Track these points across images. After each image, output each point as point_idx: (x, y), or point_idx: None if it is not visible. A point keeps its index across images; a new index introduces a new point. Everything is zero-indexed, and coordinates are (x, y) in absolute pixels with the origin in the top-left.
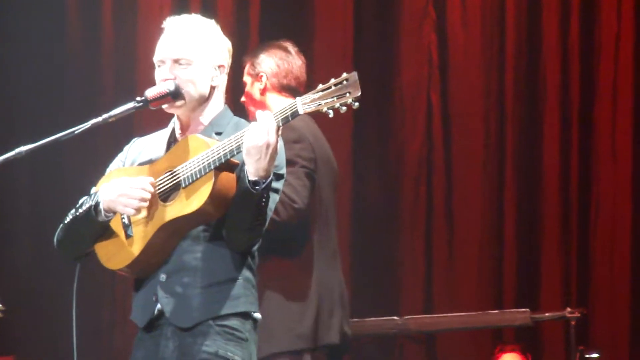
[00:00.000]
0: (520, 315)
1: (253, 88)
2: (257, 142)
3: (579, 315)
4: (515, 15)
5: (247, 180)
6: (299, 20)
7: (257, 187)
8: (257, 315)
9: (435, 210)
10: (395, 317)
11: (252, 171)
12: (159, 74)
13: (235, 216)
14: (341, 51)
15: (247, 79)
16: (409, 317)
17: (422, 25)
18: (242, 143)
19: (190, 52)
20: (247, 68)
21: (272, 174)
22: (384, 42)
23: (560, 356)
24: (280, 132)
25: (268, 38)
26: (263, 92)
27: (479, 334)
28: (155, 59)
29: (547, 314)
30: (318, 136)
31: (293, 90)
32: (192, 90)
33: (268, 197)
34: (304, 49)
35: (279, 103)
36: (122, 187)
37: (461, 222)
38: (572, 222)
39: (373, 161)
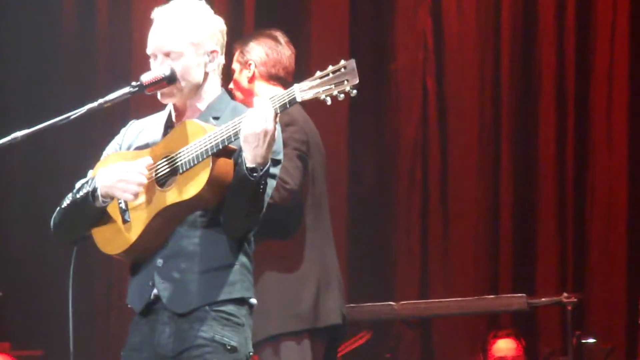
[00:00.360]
0: (516, 300)
1: (241, 75)
2: (255, 129)
3: (575, 300)
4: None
5: (244, 167)
6: (295, 5)
7: (254, 174)
8: (253, 300)
9: (431, 195)
10: (391, 303)
11: (250, 158)
12: (153, 66)
13: (233, 202)
14: (337, 35)
15: (235, 66)
16: (405, 302)
17: (418, 10)
18: (239, 129)
19: (179, 44)
20: (237, 55)
21: (269, 162)
22: (379, 26)
23: (557, 341)
24: (277, 119)
25: (263, 22)
26: (251, 80)
27: (475, 319)
28: (148, 52)
29: (543, 299)
30: (308, 120)
31: (281, 79)
32: (186, 80)
33: (266, 184)
34: (300, 34)
35: (267, 91)
36: (120, 172)
37: (456, 207)
38: (568, 207)
39: (369, 146)
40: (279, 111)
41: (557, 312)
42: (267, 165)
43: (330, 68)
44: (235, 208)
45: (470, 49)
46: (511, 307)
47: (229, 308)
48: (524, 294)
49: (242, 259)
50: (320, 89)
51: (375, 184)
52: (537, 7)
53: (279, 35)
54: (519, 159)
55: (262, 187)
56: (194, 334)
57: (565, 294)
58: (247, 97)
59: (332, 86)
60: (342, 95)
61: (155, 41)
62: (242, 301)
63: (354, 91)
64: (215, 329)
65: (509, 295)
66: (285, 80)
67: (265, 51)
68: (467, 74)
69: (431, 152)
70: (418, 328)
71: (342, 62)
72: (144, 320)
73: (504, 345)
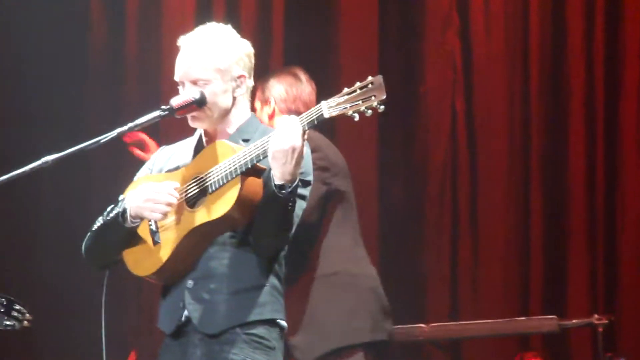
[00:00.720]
0: (547, 322)
1: (262, 112)
2: (283, 145)
3: (606, 321)
4: (538, 18)
5: (273, 184)
6: (324, 27)
7: (283, 192)
8: (284, 323)
9: (461, 215)
10: (421, 324)
11: (279, 175)
12: (181, 93)
13: (262, 221)
14: (366, 57)
15: (257, 104)
16: (435, 324)
17: (446, 31)
18: (267, 148)
19: (206, 71)
20: (258, 93)
21: (298, 179)
22: (408, 48)
23: None
24: (305, 137)
25: (292, 44)
26: (271, 116)
27: (506, 341)
28: (175, 79)
29: (574, 321)
30: (330, 145)
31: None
32: (215, 106)
33: (294, 202)
34: (329, 54)
35: None
36: (149, 192)
37: (487, 227)
38: (599, 227)
39: (398, 167)
40: (306, 128)
41: (588, 333)
42: (296, 182)
43: (358, 84)
44: (264, 227)
45: (499, 69)
46: (542, 328)
47: (260, 331)
48: (554, 316)
49: (273, 280)
50: (348, 105)
51: (405, 205)
52: (565, 25)
53: (300, 72)
54: (549, 179)
55: (290, 205)
56: (224, 357)
57: (596, 316)
58: None
59: (360, 102)
60: (369, 112)
61: (182, 69)
62: (273, 323)
63: (382, 107)
64: (246, 352)
65: (539, 317)
66: None
67: (285, 88)
68: (496, 94)
69: (460, 173)
70: (448, 350)
71: (370, 78)
72: (175, 343)
73: None
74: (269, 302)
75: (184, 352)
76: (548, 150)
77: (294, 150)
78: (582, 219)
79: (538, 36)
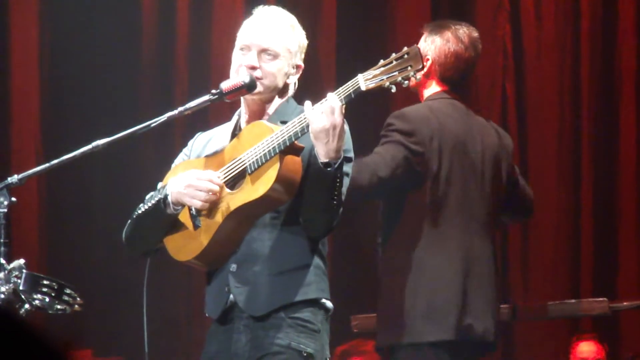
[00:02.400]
0: (598, 304)
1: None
2: (324, 124)
3: None
4: (589, 3)
5: (318, 163)
6: (378, 16)
7: (329, 169)
8: (329, 304)
9: None
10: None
11: (323, 153)
12: (241, 59)
13: (311, 199)
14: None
15: None
16: None
17: (497, 16)
18: (305, 125)
19: (278, 45)
20: None
21: (342, 155)
22: None
23: (639, 345)
24: (343, 111)
25: (344, 34)
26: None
27: (557, 323)
28: (241, 42)
29: (625, 303)
30: (439, 116)
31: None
32: (270, 82)
33: (342, 177)
34: (380, 40)
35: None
36: (190, 179)
37: (537, 211)
38: None
39: None
40: (344, 102)
41: (638, 316)
42: (341, 159)
43: (394, 55)
44: (314, 204)
45: (550, 54)
46: (593, 311)
47: (305, 315)
48: (605, 298)
49: (316, 260)
50: (384, 77)
51: None
52: (616, 10)
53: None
54: (600, 163)
55: (338, 181)
56: (269, 341)
57: None
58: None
59: (396, 73)
60: (406, 82)
61: (256, 34)
62: (318, 305)
63: (418, 76)
64: (291, 336)
65: (590, 299)
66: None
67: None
68: (547, 79)
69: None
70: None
71: (405, 48)
72: (221, 329)
73: (587, 347)
74: (314, 282)
75: (229, 338)
76: (599, 135)
77: (334, 127)
78: (633, 202)
79: (589, 21)
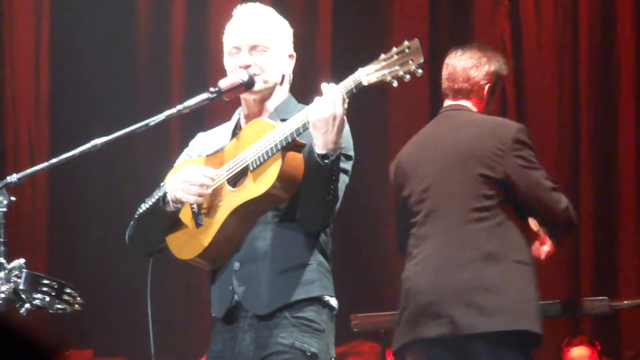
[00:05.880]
0: (598, 303)
1: None
2: (324, 114)
3: None
4: (588, 2)
5: (315, 155)
6: (375, 16)
7: (326, 161)
8: (333, 301)
9: None
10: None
11: (320, 144)
12: (233, 61)
13: (307, 192)
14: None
15: None
16: None
17: (495, 14)
18: (307, 121)
19: (267, 38)
20: None
21: (340, 148)
22: (458, 31)
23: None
24: (346, 105)
25: (340, 31)
26: None
27: (557, 322)
28: (229, 45)
29: (625, 302)
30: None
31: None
32: (268, 77)
33: (338, 172)
34: (378, 37)
35: None
36: (184, 175)
37: None
38: None
39: None
40: (346, 97)
41: (639, 314)
42: (338, 151)
43: (394, 49)
44: (309, 198)
45: (548, 52)
46: (593, 310)
47: (309, 314)
48: (605, 297)
49: (319, 257)
50: (386, 71)
51: None
52: (614, 7)
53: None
54: (599, 161)
55: (334, 175)
56: (273, 341)
57: None
58: None
59: (398, 67)
60: (408, 76)
61: (242, 34)
62: (322, 303)
63: (420, 70)
64: (295, 336)
65: (590, 298)
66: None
67: None
68: (546, 76)
69: None
70: None
71: (406, 42)
72: (225, 328)
73: (577, 352)
74: (317, 280)
75: (234, 337)
76: (598, 133)
77: (334, 118)
78: (633, 201)
79: (587, 19)
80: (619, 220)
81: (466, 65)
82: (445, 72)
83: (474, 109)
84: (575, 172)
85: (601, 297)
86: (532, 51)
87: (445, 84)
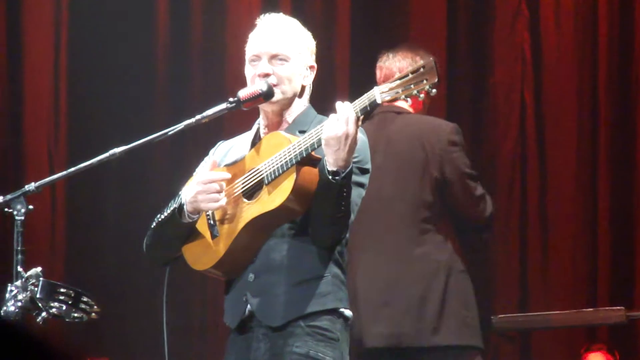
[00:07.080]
0: (614, 313)
1: None
2: (337, 132)
3: None
4: (607, 12)
5: (326, 171)
6: (393, 21)
7: (337, 178)
8: (348, 312)
9: (529, 209)
10: (490, 316)
11: (332, 161)
12: (253, 69)
13: (318, 209)
14: (434, 50)
15: None
16: (503, 315)
17: (515, 23)
18: (322, 137)
19: (288, 48)
20: None
21: (351, 165)
22: (477, 40)
23: None
24: (360, 123)
25: (358, 38)
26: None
27: (573, 332)
28: (250, 53)
29: None
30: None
31: None
32: (288, 87)
33: (349, 188)
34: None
35: None
36: (198, 186)
37: (555, 221)
38: None
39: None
40: (360, 114)
41: None
42: (349, 169)
43: (409, 69)
44: (320, 215)
45: (568, 62)
46: (609, 320)
47: (323, 323)
48: (622, 307)
49: (334, 269)
50: (400, 89)
51: None
52: (634, 18)
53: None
54: (618, 173)
55: (345, 191)
56: (288, 350)
57: None
58: None
59: (412, 86)
60: (422, 95)
61: (263, 43)
62: (336, 313)
63: (434, 90)
64: (309, 345)
65: (607, 308)
66: None
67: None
68: (565, 86)
69: (529, 165)
70: (517, 341)
71: (421, 61)
72: (240, 338)
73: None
74: (331, 292)
75: (249, 346)
76: (616, 143)
77: (347, 137)
78: None
79: (607, 29)
80: (637, 231)
81: (402, 65)
82: (380, 75)
83: (410, 110)
84: (593, 181)
85: (618, 307)
86: (552, 60)
87: None
